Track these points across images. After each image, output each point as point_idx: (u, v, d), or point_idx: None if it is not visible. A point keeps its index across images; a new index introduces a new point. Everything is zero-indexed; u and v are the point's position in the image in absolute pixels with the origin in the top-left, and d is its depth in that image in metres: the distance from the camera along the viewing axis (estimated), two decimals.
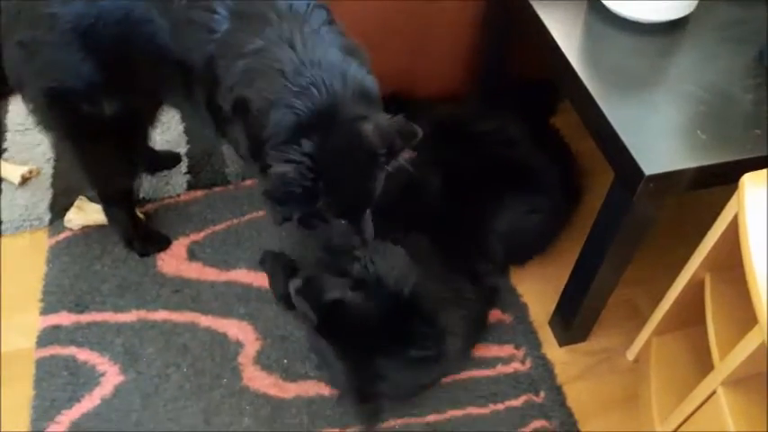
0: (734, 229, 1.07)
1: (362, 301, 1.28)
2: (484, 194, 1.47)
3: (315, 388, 1.40)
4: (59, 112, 1.27)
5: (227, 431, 1.34)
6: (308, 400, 1.39)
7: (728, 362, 1.02)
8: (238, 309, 1.52)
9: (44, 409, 1.35)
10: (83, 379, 1.39)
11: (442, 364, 1.35)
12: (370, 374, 1.28)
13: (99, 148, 1.37)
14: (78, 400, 1.37)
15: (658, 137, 1.08)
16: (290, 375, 1.42)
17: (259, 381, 1.41)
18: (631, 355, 1.46)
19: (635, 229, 1.17)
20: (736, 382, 1.06)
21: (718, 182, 1.10)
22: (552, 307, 1.50)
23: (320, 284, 1.30)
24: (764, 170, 1.01)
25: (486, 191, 1.47)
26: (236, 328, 1.49)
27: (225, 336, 1.48)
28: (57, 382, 1.39)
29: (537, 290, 1.56)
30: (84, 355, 1.43)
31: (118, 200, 1.53)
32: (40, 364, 1.41)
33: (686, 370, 1.30)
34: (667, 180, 1.04)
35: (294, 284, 1.32)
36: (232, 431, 1.34)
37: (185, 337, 1.47)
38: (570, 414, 1.38)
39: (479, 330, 1.46)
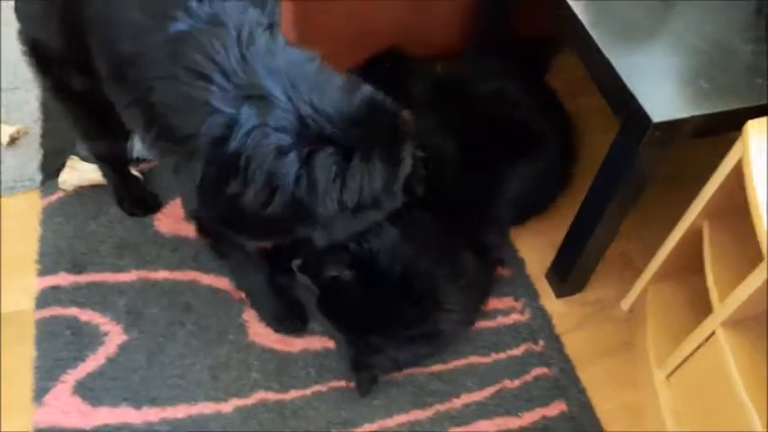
0: (734, 176, 1.11)
1: (357, 280, 1.30)
2: (492, 161, 1.45)
3: (321, 342, 1.42)
4: (39, 67, 1.26)
5: (234, 385, 1.36)
6: (315, 353, 1.41)
7: (730, 302, 1.06)
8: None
9: (47, 369, 1.34)
10: (86, 339, 1.38)
11: (440, 339, 1.37)
12: (365, 348, 1.32)
13: (77, 112, 1.35)
14: (83, 360, 1.36)
15: (663, 86, 1.10)
16: None
17: (265, 336, 1.42)
18: (626, 305, 1.51)
19: (637, 182, 1.20)
20: (735, 322, 1.11)
21: (720, 130, 1.14)
22: (548, 260, 1.54)
23: (320, 262, 1.32)
24: (766, 117, 1.04)
25: (494, 156, 1.46)
26: None
27: (228, 293, 1.48)
28: (59, 343, 1.38)
29: (533, 244, 1.60)
30: (86, 315, 1.42)
31: (107, 159, 1.51)
32: (41, 324, 1.40)
33: (682, 316, 1.35)
34: (672, 128, 1.06)
35: (296, 263, 1.35)
36: (240, 385, 1.36)
37: (188, 295, 1.47)
38: (568, 360, 1.42)
39: (482, 302, 1.48)
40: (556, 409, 1.35)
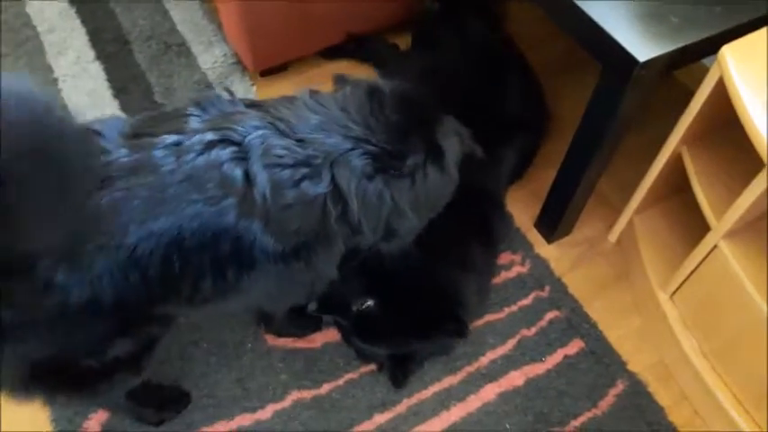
0: (711, 100, 1.20)
1: (381, 303, 1.28)
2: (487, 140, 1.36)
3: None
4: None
5: (266, 391, 1.34)
6: (337, 343, 1.41)
7: (731, 214, 1.15)
8: None
9: (68, 420, 1.28)
10: None
11: (464, 330, 1.36)
12: (406, 359, 1.34)
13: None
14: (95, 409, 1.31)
15: (639, 26, 1.16)
16: None
17: (283, 339, 1.41)
18: (613, 237, 1.59)
19: (624, 122, 1.26)
20: (734, 233, 1.20)
21: (691, 61, 1.22)
22: (534, 210, 1.60)
23: (340, 297, 1.29)
24: (739, 39, 1.13)
25: (489, 135, 1.36)
26: None
27: None
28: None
29: (516, 197, 1.65)
30: None
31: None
32: None
33: (672, 239, 1.45)
34: (656, 65, 1.13)
35: (311, 308, 1.29)
36: (272, 390, 1.34)
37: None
38: (575, 300, 1.50)
39: (489, 287, 1.50)
40: (575, 347, 1.43)
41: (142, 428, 1.29)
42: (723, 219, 1.18)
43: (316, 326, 1.43)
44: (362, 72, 1.87)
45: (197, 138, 0.91)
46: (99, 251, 0.84)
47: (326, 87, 1.86)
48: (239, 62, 1.87)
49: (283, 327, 1.41)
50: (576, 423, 1.33)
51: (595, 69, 1.22)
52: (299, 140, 0.96)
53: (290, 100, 1.04)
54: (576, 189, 1.43)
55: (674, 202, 1.48)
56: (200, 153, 0.89)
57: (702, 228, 1.25)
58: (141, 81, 1.83)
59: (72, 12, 1.98)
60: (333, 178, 0.96)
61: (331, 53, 1.86)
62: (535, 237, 1.60)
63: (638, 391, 1.38)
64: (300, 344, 1.41)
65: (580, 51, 1.29)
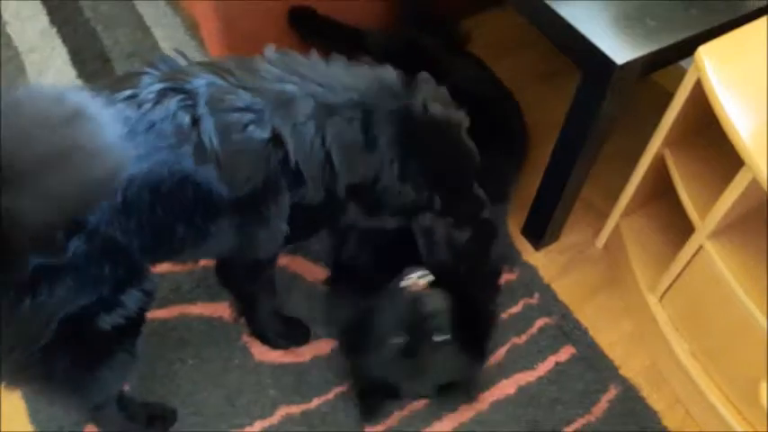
0: (690, 102, 1.20)
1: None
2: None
3: (327, 345, 1.41)
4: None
5: (255, 408, 1.32)
6: (327, 357, 1.39)
7: (714, 213, 1.15)
8: (224, 290, 1.47)
9: None
10: None
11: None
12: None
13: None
14: (86, 422, 1.28)
15: (616, 29, 1.17)
16: None
17: (271, 353, 1.39)
18: (600, 243, 1.59)
19: (605, 125, 1.27)
20: (718, 233, 1.20)
21: (668, 63, 1.23)
22: (519, 217, 1.60)
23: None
24: (715, 40, 1.14)
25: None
26: (229, 310, 1.45)
27: (221, 319, 1.43)
28: (56, 411, 1.29)
29: None
30: None
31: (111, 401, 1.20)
32: (32, 396, 1.30)
33: (658, 242, 1.45)
34: (634, 67, 1.13)
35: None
36: (261, 406, 1.32)
37: (180, 330, 1.41)
38: (565, 306, 1.49)
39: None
40: (566, 353, 1.42)
41: None
42: (707, 219, 1.18)
43: (304, 338, 1.42)
44: None
45: (149, 89, 0.95)
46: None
47: None
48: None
49: (269, 334, 1.39)
50: (569, 430, 1.32)
51: (576, 76, 1.23)
52: (245, 88, 0.99)
53: (244, 58, 1.06)
54: (561, 195, 1.43)
55: (659, 204, 1.48)
56: (156, 103, 0.94)
57: (688, 229, 1.25)
58: None
59: (53, 31, 1.98)
60: (273, 123, 0.98)
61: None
62: (523, 244, 1.60)
63: (631, 395, 1.37)
64: (289, 358, 1.39)
65: (561, 57, 1.31)
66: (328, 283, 1.47)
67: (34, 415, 1.28)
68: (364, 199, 1.11)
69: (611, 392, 1.36)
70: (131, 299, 1.00)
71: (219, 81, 0.98)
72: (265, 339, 1.40)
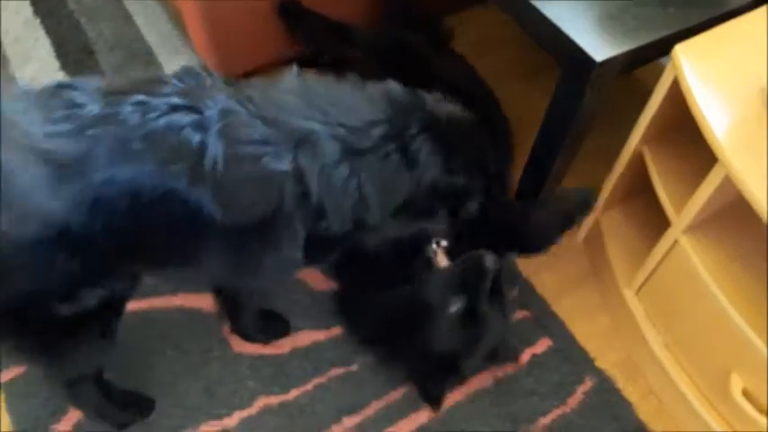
0: (667, 99, 1.22)
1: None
2: None
3: (308, 336, 1.42)
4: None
5: (233, 399, 1.33)
6: (306, 349, 1.40)
7: (689, 209, 1.17)
8: None
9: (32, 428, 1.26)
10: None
11: None
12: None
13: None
14: (64, 412, 1.28)
15: (596, 27, 1.18)
16: None
17: (251, 345, 1.40)
18: (580, 237, 1.61)
19: (584, 121, 1.28)
20: (693, 228, 1.23)
21: (649, 60, 1.25)
22: None
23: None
24: (692, 39, 1.16)
25: None
26: (208, 301, 1.44)
27: (200, 311, 1.43)
28: (34, 401, 1.29)
29: None
30: None
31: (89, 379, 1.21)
32: (8, 387, 1.30)
33: (636, 237, 1.47)
34: (613, 64, 1.15)
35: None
36: (239, 397, 1.33)
37: (160, 322, 1.41)
38: (543, 300, 1.51)
39: None
40: (543, 345, 1.44)
41: None
42: (682, 214, 1.20)
43: (284, 332, 1.42)
44: None
45: (163, 100, 0.93)
46: (68, 183, 0.86)
47: None
48: (206, 70, 1.85)
49: (250, 331, 1.39)
50: (545, 421, 1.34)
51: (557, 73, 1.24)
52: (265, 119, 0.97)
53: (270, 82, 1.03)
54: (541, 190, 1.44)
55: (638, 200, 1.51)
56: (163, 114, 0.92)
57: (665, 225, 1.27)
58: None
59: (36, 22, 1.96)
60: (295, 158, 0.96)
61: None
62: None
63: (606, 387, 1.39)
64: (268, 350, 1.39)
65: (542, 54, 1.32)
66: (339, 294, 1.46)
67: (11, 404, 1.28)
68: (401, 215, 1.10)
69: (587, 384, 1.38)
70: (90, 294, 0.99)
71: (238, 108, 0.96)
72: (246, 336, 1.41)
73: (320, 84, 1.05)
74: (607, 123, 1.50)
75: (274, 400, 1.34)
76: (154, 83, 0.96)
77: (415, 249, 1.32)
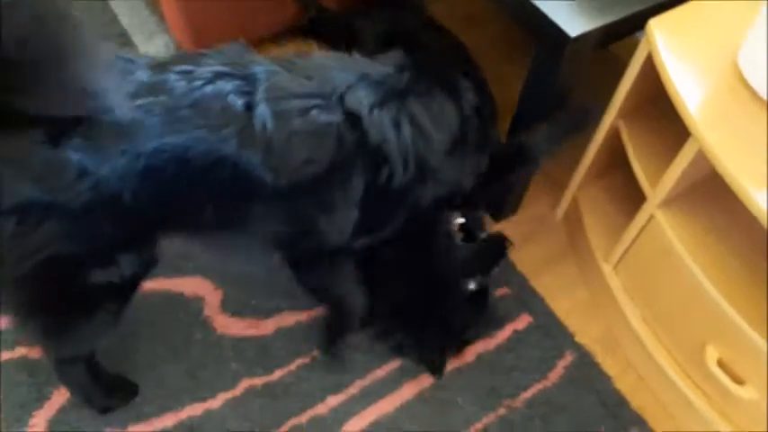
0: (642, 73, 1.23)
1: None
2: None
3: (291, 317, 1.42)
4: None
5: (217, 381, 1.33)
6: (289, 329, 1.41)
7: (664, 183, 1.18)
8: (186, 265, 1.47)
9: (16, 418, 1.25)
10: (44, 376, 1.30)
11: None
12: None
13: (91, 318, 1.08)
14: (48, 398, 1.28)
15: (571, 3, 1.17)
16: (261, 313, 1.42)
17: (233, 327, 1.40)
18: (559, 214, 1.62)
19: (561, 97, 1.29)
20: (669, 203, 1.24)
21: (624, 34, 1.26)
22: None
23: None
24: (666, 13, 1.16)
25: None
26: (190, 285, 1.45)
27: (182, 294, 1.43)
28: (19, 388, 1.29)
29: None
30: (35, 351, 1.32)
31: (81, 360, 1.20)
32: None
33: (613, 212, 1.48)
34: (588, 39, 1.15)
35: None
36: (223, 379, 1.33)
37: (142, 306, 1.39)
38: (523, 276, 1.52)
39: None
40: (523, 321, 1.45)
41: (88, 427, 1.26)
42: (657, 188, 1.21)
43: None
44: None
45: (207, 68, 0.96)
46: (122, 154, 0.88)
47: None
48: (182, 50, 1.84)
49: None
50: (526, 395, 1.36)
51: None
52: (308, 77, 1.01)
53: (302, 53, 1.10)
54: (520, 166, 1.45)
55: (615, 176, 1.52)
56: (208, 82, 0.95)
57: (642, 200, 1.28)
58: None
59: None
60: (344, 106, 1.00)
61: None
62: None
63: (585, 361, 1.41)
64: (251, 332, 1.40)
65: (519, 32, 1.32)
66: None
67: None
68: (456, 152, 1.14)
69: (567, 359, 1.40)
70: (127, 262, 1.00)
71: (280, 69, 1.00)
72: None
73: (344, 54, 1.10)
74: (585, 98, 1.50)
75: (258, 381, 1.34)
76: (195, 56, 0.99)
77: (433, 225, 1.34)
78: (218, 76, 0.95)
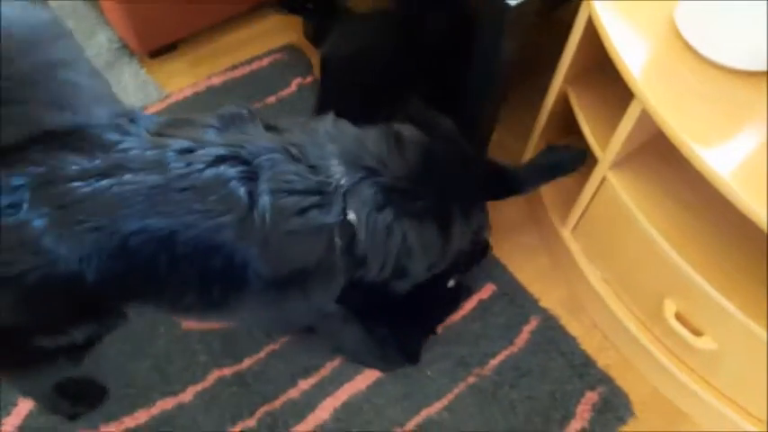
0: (585, 37, 1.24)
1: None
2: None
3: None
4: None
5: (186, 374, 1.33)
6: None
7: (613, 144, 1.20)
8: None
9: None
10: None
11: None
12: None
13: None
14: (15, 404, 1.26)
15: None
16: None
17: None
18: None
19: (507, 66, 1.29)
20: (620, 164, 1.26)
21: (563, 0, 1.26)
22: None
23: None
24: None
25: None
26: None
27: None
28: None
29: None
30: None
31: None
32: None
33: (569, 177, 1.49)
34: (528, 7, 1.15)
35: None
36: (191, 372, 1.33)
37: None
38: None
39: None
40: (487, 290, 1.47)
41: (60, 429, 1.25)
42: (607, 150, 1.23)
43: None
44: (280, 38, 1.86)
45: (209, 150, 0.91)
46: (94, 230, 0.84)
47: (223, 62, 1.82)
48: (125, 46, 1.80)
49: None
50: (494, 362, 1.38)
51: None
52: (311, 167, 0.96)
53: (309, 126, 1.04)
54: (473, 137, 1.45)
55: (569, 142, 1.53)
56: (210, 165, 0.90)
57: (594, 165, 1.30)
58: None
59: None
60: (344, 209, 0.96)
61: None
62: None
63: (550, 325, 1.43)
64: (216, 324, 1.39)
65: None
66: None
67: None
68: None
69: (532, 324, 1.43)
70: (81, 332, 0.97)
71: (284, 158, 0.95)
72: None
73: (353, 130, 1.06)
74: (536, 66, 1.51)
75: (227, 371, 1.34)
76: (198, 127, 0.94)
77: None
78: (221, 159, 0.90)
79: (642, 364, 1.36)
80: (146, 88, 1.76)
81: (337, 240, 0.97)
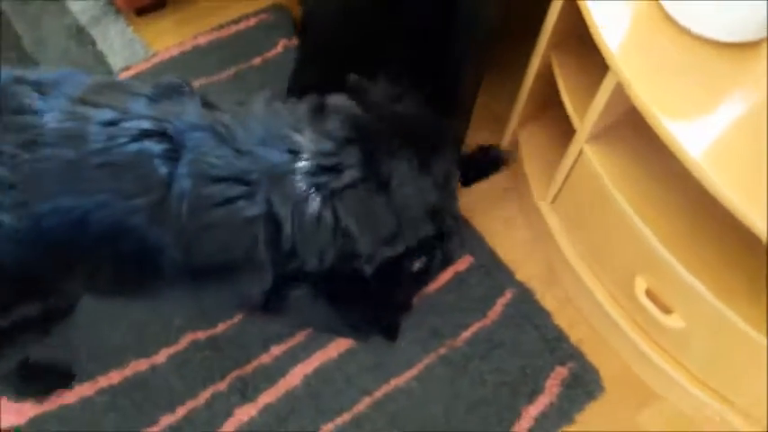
0: (567, 5, 1.20)
1: None
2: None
3: None
4: None
5: (160, 337, 1.34)
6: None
7: (589, 116, 1.17)
8: None
9: None
10: None
11: None
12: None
13: None
14: None
15: None
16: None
17: None
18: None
19: (487, 31, 1.26)
20: (597, 137, 1.23)
21: None
22: None
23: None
24: None
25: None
26: None
27: None
28: None
29: None
30: None
31: None
32: None
33: (551, 149, 1.47)
34: None
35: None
36: (166, 335, 1.35)
37: None
38: (463, 216, 1.50)
39: None
40: (465, 262, 1.46)
41: None
42: (584, 121, 1.20)
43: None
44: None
45: (134, 123, 0.85)
46: (9, 210, 0.81)
47: (211, 22, 1.78)
48: (112, 2, 1.78)
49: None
50: (466, 334, 1.38)
51: None
52: (237, 150, 0.89)
53: (244, 106, 0.97)
54: (454, 106, 1.42)
55: (553, 114, 1.49)
56: (132, 140, 0.84)
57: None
58: (8, 30, 1.73)
59: None
60: (268, 199, 0.89)
61: None
62: None
63: (525, 298, 1.42)
64: (200, 335, 1.39)
65: None
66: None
67: None
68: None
69: (506, 296, 1.42)
70: (24, 312, 0.95)
71: (211, 137, 0.88)
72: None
73: (286, 110, 0.97)
74: (524, 31, 1.46)
75: (201, 335, 1.35)
76: (127, 95, 0.88)
77: None
78: (146, 134, 0.84)
79: (614, 340, 1.36)
80: (132, 46, 1.75)
81: (260, 235, 0.90)
